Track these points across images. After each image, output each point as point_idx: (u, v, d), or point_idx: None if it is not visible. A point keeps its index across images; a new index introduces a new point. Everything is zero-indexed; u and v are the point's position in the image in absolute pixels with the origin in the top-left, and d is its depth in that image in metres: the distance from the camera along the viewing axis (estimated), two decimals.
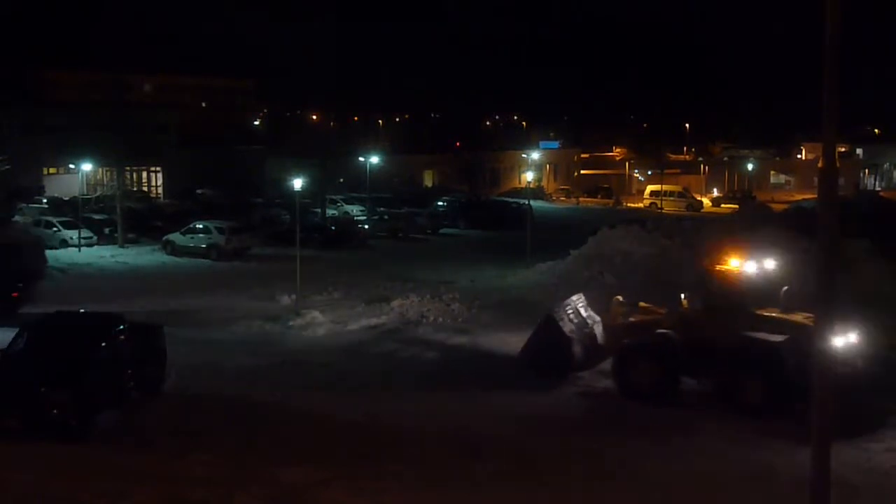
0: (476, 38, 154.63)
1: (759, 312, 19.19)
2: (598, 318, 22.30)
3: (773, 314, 19.22)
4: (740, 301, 19.25)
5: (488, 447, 15.80)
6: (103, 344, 17.17)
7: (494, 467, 14.68)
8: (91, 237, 44.40)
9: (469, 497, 13.46)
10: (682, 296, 20.75)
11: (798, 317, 19.01)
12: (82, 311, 20.69)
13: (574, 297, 22.93)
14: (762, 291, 19.60)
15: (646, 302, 21.82)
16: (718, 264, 19.80)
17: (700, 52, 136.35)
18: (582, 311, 22.57)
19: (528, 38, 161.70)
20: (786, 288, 19.66)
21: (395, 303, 29.99)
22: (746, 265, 19.58)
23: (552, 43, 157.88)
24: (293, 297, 28.73)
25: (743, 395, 18.49)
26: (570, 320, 21.90)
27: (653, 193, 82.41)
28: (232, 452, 15.10)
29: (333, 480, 13.69)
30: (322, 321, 27.46)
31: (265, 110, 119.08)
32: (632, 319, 20.95)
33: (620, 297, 21.79)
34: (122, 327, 17.97)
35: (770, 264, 20.19)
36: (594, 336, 21.90)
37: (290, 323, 27.12)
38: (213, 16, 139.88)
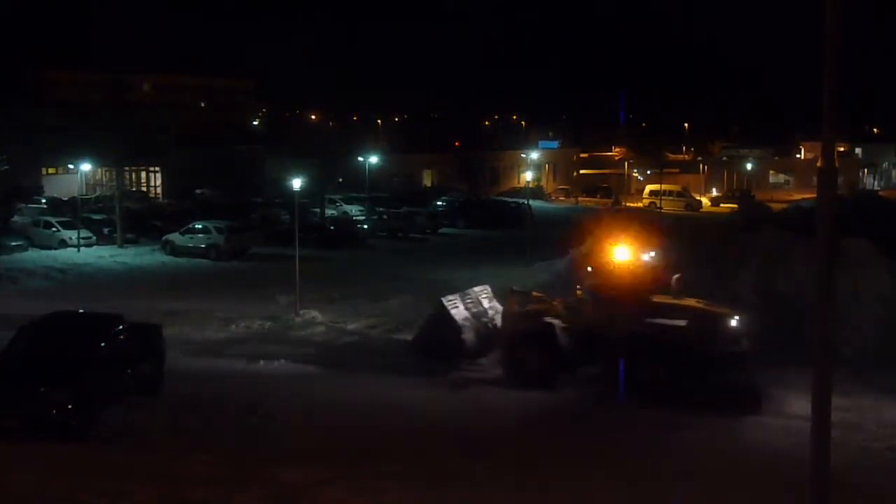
0: (476, 38, 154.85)
1: (655, 299, 20.04)
2: (500, 309, 23.05)
3: (669, 300, 20.10)
4: (637, 289, 20.01)
5: (487, 446, 15.83)
6: (103, 344, 17.16)
7: (494, 466, 14.68)
8: (90, 237, 44.41)
9: (469, 497, 13.46)
10: (577, 287, 21.56)
11: (691, 301, 20.13)
12: (81, 311, 20.69)
13: (477, 288, 23.85)
14: (650, 279, 20.62)
15: (539, 293, 22.61)
16: (610, 255, 20.74)
17: (699, 51, 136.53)
18: (484, 301, 23.49)
19: (529, 38, 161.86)
20: (677, 275, 20.61)
21: (394, 302, 29.97)
22: (639, 255, 20.61)
23: (552, 43, 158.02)
24: (292, 296, 28.75)
25: (650, 378, 19.03)
26: (468, 309, 22.70)
27: (652, 193, 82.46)
28: (232, 452, 15.09)
29: (333, 480, 13.68)
30: (321, 321, 27.50)
31: (265, 110, 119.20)
32: (523, 309, 21.59)
33: (515, 287, 22.67)
34: (121, 327, 17.96)
35: (656, 254, 21.26)
36: (495, 325, 22.63)
37: (290, 323, 27.15)
38: (213, 16, 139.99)
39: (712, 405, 18.34)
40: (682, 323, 19.31)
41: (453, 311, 22.25)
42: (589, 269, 21.34)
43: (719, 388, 19.11)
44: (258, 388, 19.53)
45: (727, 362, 19.19)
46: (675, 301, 20.09)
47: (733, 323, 19.46)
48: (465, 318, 22.33)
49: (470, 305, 22.92)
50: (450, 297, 22.76)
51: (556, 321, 20.56)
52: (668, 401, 18.32)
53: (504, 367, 20.95)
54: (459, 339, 21.93)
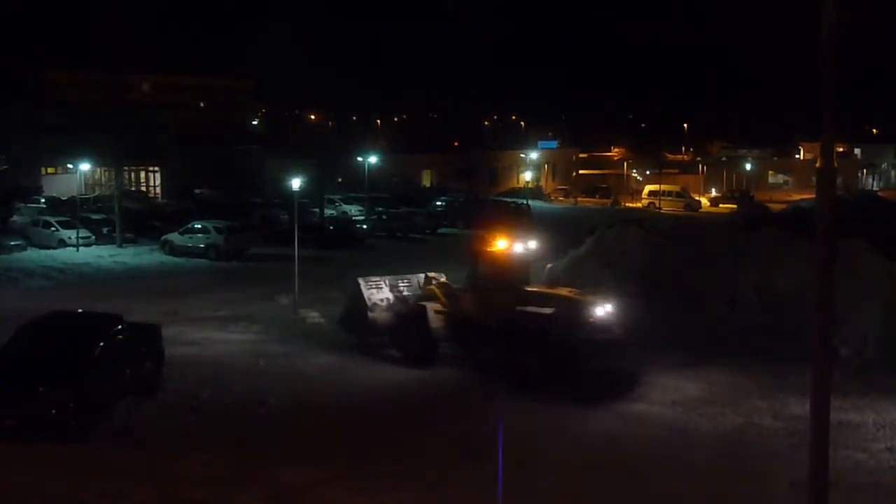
0: (476, 38, 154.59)
1: (527, 288, 21.06)
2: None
3: (540, 289, 21.17)
4: (510, 278, 21.01)
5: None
6: (102, 344, 17.16)
7: (492, 466, 14.66)
8: (89, 237, 44.37)
9: (469, 497, 13.46)
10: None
11: (563, 291, 21.13)
12: (81, 310, 20.68)
13: (424, 275, 24.35)
14: (525, 269, 21.86)
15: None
16: (488, 246, 21.78)
17: (699, 52, 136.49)
18: None
19: (528, 37, 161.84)
20: (549, 266, 21.94)
21: None
22: (512, 246, 21.65)
23: (552, 43, 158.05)
24: (291, 296, 28.75)
25: (520, 362, 19.85)
26: (396, 291, 23.58)
27: (651, 193, 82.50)
28: (232, 452, 15.11)
29: (333, 480, 13.70)
30: (320, 321, 27.48)
31: (264, 110, 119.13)
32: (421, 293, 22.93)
33: (433, 274, 23.60)
34: (120, 327, 17.97)
35: (532, 245, 22.37)
36: None
37: (289, 322, 27.13)
38: (213, 16, 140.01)
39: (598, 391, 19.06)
40: (548, 311, 19.97)
41: (370, 292, 23.17)
42: (467, 258, 22.38)
43: (595, 374, 19.86)
44: (258, 388, 19.53)
45: (594, 349, 19.70)
46: (545, 290, 21.02)
47: (601, 312, 20.07)
48: (383, 299, 23.18)
49: (403, 288, 23.69)
50: (373, 279, 23.76)
51: (429, 305, 21.83)
52: (538, 386, 19.04)
53: (394, 344, 22.60)
54: (370, 317, 22.90)
